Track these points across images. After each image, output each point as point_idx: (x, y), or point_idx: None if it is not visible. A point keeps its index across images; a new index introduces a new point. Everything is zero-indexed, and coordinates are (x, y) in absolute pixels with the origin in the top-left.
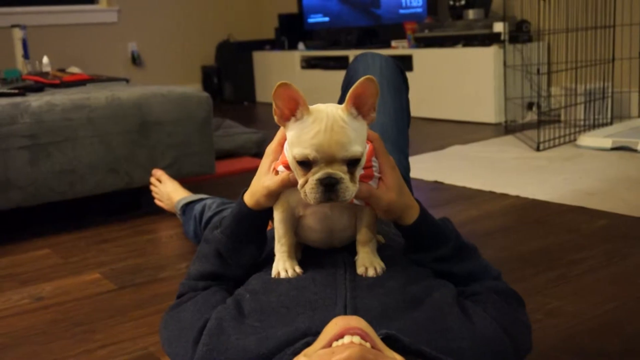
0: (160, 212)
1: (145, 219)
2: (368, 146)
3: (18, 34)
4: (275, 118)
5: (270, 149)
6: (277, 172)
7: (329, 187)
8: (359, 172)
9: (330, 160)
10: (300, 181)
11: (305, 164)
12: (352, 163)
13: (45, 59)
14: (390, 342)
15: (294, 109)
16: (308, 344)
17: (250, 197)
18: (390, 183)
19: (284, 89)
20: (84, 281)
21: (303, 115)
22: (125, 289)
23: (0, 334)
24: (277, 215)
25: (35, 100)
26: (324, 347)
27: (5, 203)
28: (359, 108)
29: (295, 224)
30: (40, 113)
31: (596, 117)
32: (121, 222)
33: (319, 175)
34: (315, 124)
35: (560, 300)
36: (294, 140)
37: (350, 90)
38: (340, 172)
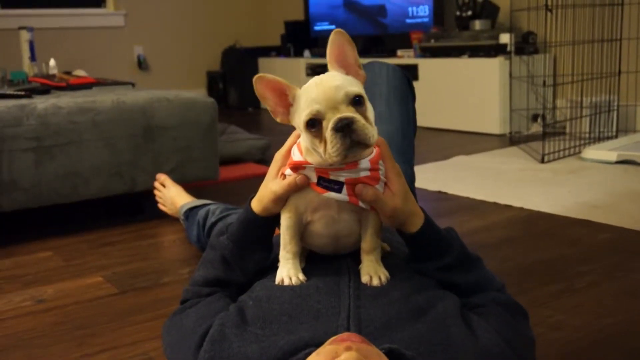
0: (163, 216)
1: (149, 224)
2: (376, 149)
3: (25, 36)
4: (277, 119)
5: (279, 154)
6: (284, 177)
7: (345, 131)
8: (370, 113)
9: (333, 106)
10: (321, 148)
11: (315, 124)
12: (356, 102)
13: (52, 62)
14: (393, 356)
15: (284, 98)
16: (310, 355)
17: (258, 203)
18: (395, 189)
19: (261, 83)
20: (85, 284)
21: (294, 95)
22: (127, 293)
23: (1, 335)
24: (285, 221)
25: (41, 103)
26: None
27: (9, 204)
28: (345, 69)
29: (301, 231)
30: (46, 115)
31: (601, 130)
32: (124, 226)
33: (330, 124)
34: (307, 90)
35: (563, 314)
36: (298, 117)
37: (328, 56)
38: (349, 112)
